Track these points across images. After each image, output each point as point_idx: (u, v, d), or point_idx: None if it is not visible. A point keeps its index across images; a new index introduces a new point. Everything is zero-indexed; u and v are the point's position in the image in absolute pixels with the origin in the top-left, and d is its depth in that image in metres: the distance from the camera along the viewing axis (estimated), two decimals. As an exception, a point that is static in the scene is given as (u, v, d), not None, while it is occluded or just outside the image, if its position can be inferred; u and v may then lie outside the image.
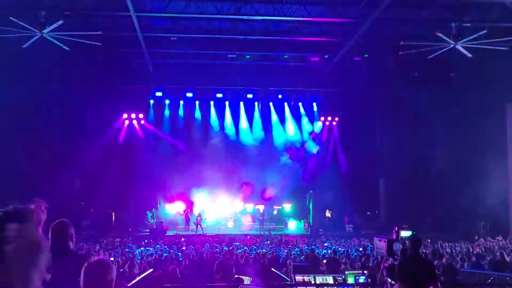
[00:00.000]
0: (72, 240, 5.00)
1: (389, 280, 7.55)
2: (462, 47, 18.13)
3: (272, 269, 12.51)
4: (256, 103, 28.95)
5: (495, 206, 23.18)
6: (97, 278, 3.46)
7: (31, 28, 17.11)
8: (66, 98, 26.58)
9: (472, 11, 18.66)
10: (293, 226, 27.64)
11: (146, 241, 22.12)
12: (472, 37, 17.54)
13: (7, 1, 17.73)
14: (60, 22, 17.16)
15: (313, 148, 30.05)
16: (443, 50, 18.97)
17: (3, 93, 23.63)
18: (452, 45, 18.11)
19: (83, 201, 26.89)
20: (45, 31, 17.25)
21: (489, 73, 22.38)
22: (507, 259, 13.18)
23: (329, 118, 29.66)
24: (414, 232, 7.44)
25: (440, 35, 17.60)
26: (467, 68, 22.71)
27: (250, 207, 28.80)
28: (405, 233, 7.51)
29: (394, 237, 7.60)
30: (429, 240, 19.44)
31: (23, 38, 17.93)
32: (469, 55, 18.63)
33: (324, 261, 14.43)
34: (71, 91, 26.38)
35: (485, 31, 17.59)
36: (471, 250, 17.06)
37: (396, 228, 7.66)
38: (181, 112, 28.93)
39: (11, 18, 16.68)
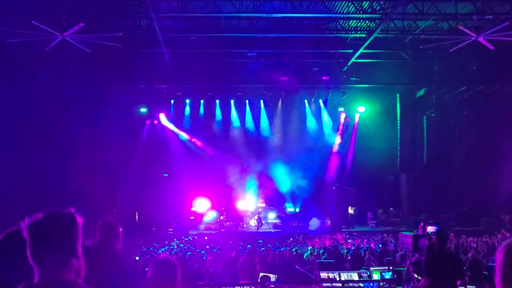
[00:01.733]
0: (118, 239, 5.05)
1: (416, 275, 7.53)
2: (484, 39, 17.89)
3: (296, 266, 12.53)
4: (277, 101, 28.91)
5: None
6: (166, 276, 3.49)
7: (52, 31, 17.32)
8: (87, 100, 26.87)
9: (494, 3, 18.42)
10: (315, 223, 27.53)
11: (169, 240, 22.26)
12: (494, 29, 17.30)
13: (29, 5, 17.98)
14: (81, 24, 17.34)
15: (335, 144, 29.97)
16: (464, 43, 18.78)
17: (24, 96, 23.98)
18: (473, 38, 17.88)
19: (106, 201, 27.18)
20: (67, 34, 17.44)
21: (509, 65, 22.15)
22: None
23: (350, 114, 29.56)
24: (441, 227, 7.40)
25: (462, 28, 17.39)
26: (487, 61, 22.49)
27: (272, 204, 28.82)
28: (431, 229, 7.48)
29: (420, 232, 7.57)
30: (452, 235, 19.26)
31: (45, 41, 18.15)
32: (491, 47, 18.39)
33: (348, 257, 14.40)
34: (91, 93, 26.65)
35: (507, 23, 17.35)
36: (496, 244, 16.87)
37: (422, 224, 7.64)
38: (201, 110, 29.05)
39: (33, 21, 16.92)
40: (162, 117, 29.00)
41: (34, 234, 2.29)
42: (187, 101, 28.58)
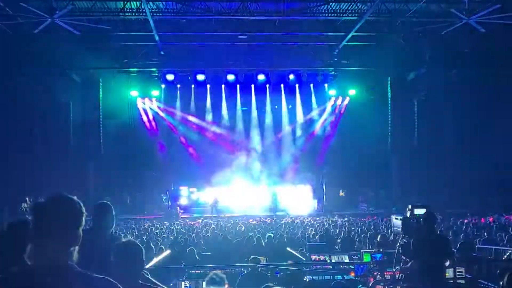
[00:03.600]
0: (112, 221, 5.12)
1: (404, 257, 7.58)
2: (476, 22, 17.88)
3: (288, 248, 12.57)
4: (267, 85, 28.77)
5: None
6: (128, 259, 3.50)
7: (41, 13, 17.13)
8: (78, 84, 26.68)
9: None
10: (307, 206, 27.58)
11: (161, 223, 22.27)
12: (485, 11, 17.28)
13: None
14: (70, 7, 17.17)
15: (325, 127, 30.01)
16: (455, 26, 18.75)
17: (16, 79, 23.81)
18: (464, 21, 17.86)
19: (98, 184, 27.13)
20: (56, 16, 17.25)
21: (502, 48, 22.15)
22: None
23: (341, 97, 29.57)
24: (429, 209, 7.44)
25: (453, 11, 17.37)
26: (478, 44, 22.48)
27: (263, 188, 28.83)
28: (419, 211, 7.52)
29: (408, 215, 7.62)
30: (441, 217, 19.36)
31: (34, 24, 17.97)
32: (482, 30, 18.38)
33: (339, 240, 14.46)
34: (83, 76, 26.46)
35: (499, 5, 17.33)
36: (487, 225, 17.06)
37: (410, 206, 7.68)
38: (192, 95, 28.91)
39: (21, 3, 16.74)
40: (153, 101, 28.87)
41: (40, 219, 2.29)
42: (178, 85, 28.37)
